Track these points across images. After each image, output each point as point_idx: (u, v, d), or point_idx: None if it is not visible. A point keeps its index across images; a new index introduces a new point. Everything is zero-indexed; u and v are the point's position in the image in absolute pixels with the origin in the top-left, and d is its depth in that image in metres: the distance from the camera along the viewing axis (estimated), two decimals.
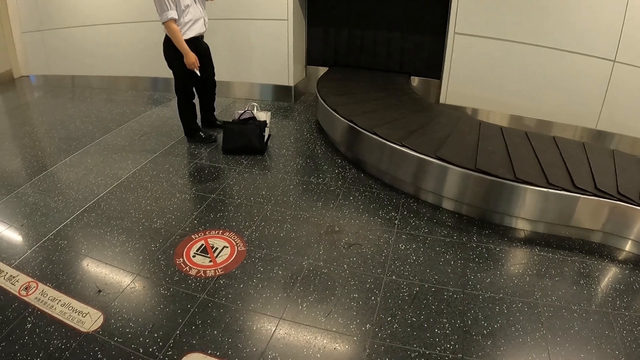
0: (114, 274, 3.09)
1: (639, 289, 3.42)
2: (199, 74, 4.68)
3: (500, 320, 2.98)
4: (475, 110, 6.13)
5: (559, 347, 2.85)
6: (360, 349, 2.67)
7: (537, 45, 5.55)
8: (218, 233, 3.52)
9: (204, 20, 4.72)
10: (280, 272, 3.16)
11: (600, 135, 5.70)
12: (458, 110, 6.05)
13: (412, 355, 2.66)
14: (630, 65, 5.21)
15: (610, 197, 3.68)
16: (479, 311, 3.03)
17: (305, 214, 3.84)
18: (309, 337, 2.71)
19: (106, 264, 3.19)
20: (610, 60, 5.28)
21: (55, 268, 3.14)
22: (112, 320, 2.71)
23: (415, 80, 6.64)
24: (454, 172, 3.94)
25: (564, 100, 5.72)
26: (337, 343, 2.70)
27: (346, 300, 2.99)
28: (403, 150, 4.13)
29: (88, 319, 2.71)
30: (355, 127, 4.55)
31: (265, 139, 4.92)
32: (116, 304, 2.83)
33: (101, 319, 2.71)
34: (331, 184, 4.33)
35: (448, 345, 2.76)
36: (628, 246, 3.80)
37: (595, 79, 5.45)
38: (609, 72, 5.35)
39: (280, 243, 3.46)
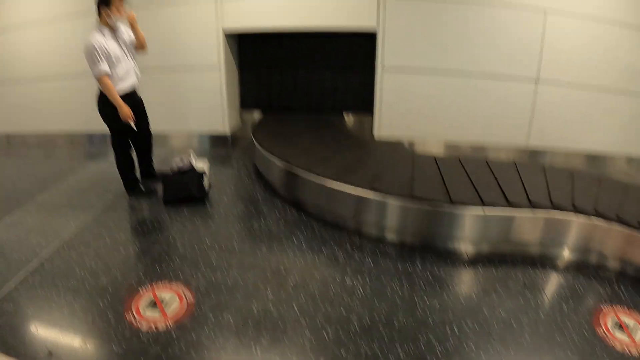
0: (64, 336, 3.03)
1: (584, 293, 3.59)
2: (135, 128, 4.68)
3: (453, 341, 3.06)
4: (411, 141, 6.32)
5: (514, 359, 2.95)
6: None
7: (463, 73, 5.87)
8: (165, 285, 3.50)
9: (136, 72, 4.74)
10: (231, 319, 3.17)
11: (533, 153, 6.03)
12: (393, 143, 6.23)
13: None
14: (552, 79, 5.68)
15: (545, 208, 3.87)
16: (431, 335, 3.11)
17: (250, 259, 3.87)
18: None
19: (55, 325, 3.11)
20: (533, 79, 5.65)
21: (3, 332, 3.02)
22: None
23: (349, 117, 6.80)
24: (392, 203, 4.07)
25: (494, 122, 6.05)
26: None
27: (299, 339, 3.02)
28: (340, 187, 4.23)
29: None
30: (292, 167, 4.64)
31: (205, 188, 4.94)
32: None
33: None
34: (273, 227, 4.38)
35: None
36: (566, 252, 3.99)
37: (522, 99, 5.85)
38: (534, 91, 5.72)
39: (228, 290, 3.47)
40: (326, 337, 3.05)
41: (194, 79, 6.35)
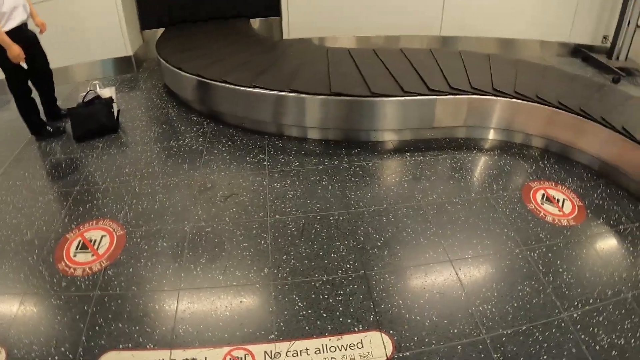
0: (0, 303, 2.83)
1: (510, 170, 3.73)
2: (26, 67, 4.25)
3: (391, 229, 3.12)
4: (322, 39, 6.19)
5: (451, 239, 3.05)
6: (266, 294, 2.70)
7: None
8: (93, 224, 3.31)
9: (24, 6, 4.23)
10: (165, 244, 3.07)
11: (447, 41, 5.98)
12: (305, 42, 6.04)
13: (317, 284, 2.74)
14: None
15: (465, 92, 3.88)
16: (368, 226, 3.14)
17: (174, 180, 3.71)
18: (213, 299, 2.69)
19: None
20: None
21: None
22: (15, 351, 2.47)
23: (256, 22, 6.45)
24: (312, 101, 3.97)
25: (406, 11, 5.90)
26: (241, 296, 2.70)
27: (238, 252, 2.98)
28: (256, 92, 4.08)
29: None
30: (204, 80, 4.40)
31: (115, 116, 4.64)
32: (13, 332, 2.58)
33: (3, 354, 2.47)
34: (192, 143, 4.20)
35: (348, 266, 2.85)
36: (491, 134, 4.09)
37: None
38: None
39: (157, 215, 3.33)
40: (265, 245, 3.02)
41: (86, 2, 5.76)
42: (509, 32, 6.30)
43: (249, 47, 5.26)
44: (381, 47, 5.93)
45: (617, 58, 6.17)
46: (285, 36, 6.08)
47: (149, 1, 6.24)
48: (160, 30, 6.37)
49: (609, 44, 6.24)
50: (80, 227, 3.31)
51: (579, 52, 6.47)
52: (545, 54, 6.38)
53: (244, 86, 4.14)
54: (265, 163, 3.85)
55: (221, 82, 4.26)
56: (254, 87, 4.09)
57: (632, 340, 2.48)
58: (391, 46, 6.04)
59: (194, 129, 4.45)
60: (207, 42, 5.48)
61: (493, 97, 3.95)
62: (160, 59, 5.14)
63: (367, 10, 6.00)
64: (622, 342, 2.47)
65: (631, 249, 3.12)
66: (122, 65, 6.13)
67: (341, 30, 6.17)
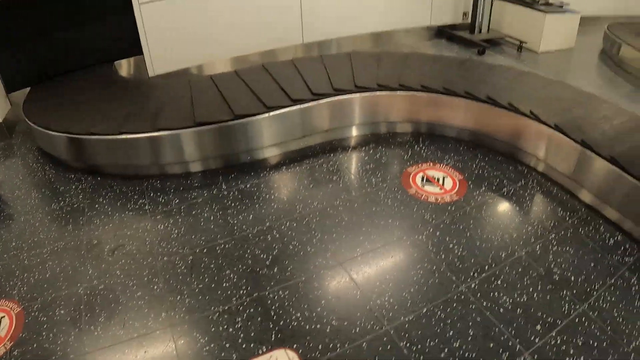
0: None
1: (386, 161, 3.90)
2: None
3: (277, 246, 3.23)
4: (199, 68, 6.23)
5: (338, 242, 3.19)
6: (167, 339, 2.75)
7: None
8: None
9: None
10: (62, 312, 3.10)
11: (322, 46, 6.18)
12: (173, 76, 6.04)
13: (214, 317, 2.81)
14: None
15: (328, 95, 4.07)
16: (254, 248, 3.25)
17: (61, 243, 3.71)
18: (118, 356, 2.73)
19: None
20: None
21: None
22: None
23: (122, 64, 6.37)
24: (180, 136, 4.02)
25: (267, 25, 6.07)
26: (144, 347, 2.75)
27: (133, 303, 3.04)
28: (125, 138, 4.10)
29: None
30: (72, 136, 4.37)
31: None
32: None
33: None
34: (73, 202, 4.18)
35: (241, 292, 2.95)
36: (362, 130, 4.27)
37: None
38: None
39: (50, 284, 3.34)
40: (158, 289, 3.10)
41: None
42: (375, 27, 6.62)
43: (114, 93, 5.23)
44: (259, 62, 5.99)
45: (480, 31, 6.63)
46: (150, 73, 6.06)
47: (7, 62, 6.04)
48: (28, 89, 6.19)
49: (469, 20, 6.67)
50: None
51: (444, 32, 6.89)
52: (412, 41, 6.74)
53: (112, 135, 4.15)
54: (146, 207, 3.91)
55: (90, 135, 4.25)
56: (122, 133, 4.12)
57: (535, 295, 2.73)
58: (270, 59, 6.15)
59: (73, 187, 4.42)
60: (72, 95, 5.39)
61: (356, 95, 4.17)
62: (28, 122, 5.04)
63: (229, 31, 6.08)
64: (525, 299, 2.71)
65: (517, 208, 3.40)
66: None
67: (210, 55, 6.20)
